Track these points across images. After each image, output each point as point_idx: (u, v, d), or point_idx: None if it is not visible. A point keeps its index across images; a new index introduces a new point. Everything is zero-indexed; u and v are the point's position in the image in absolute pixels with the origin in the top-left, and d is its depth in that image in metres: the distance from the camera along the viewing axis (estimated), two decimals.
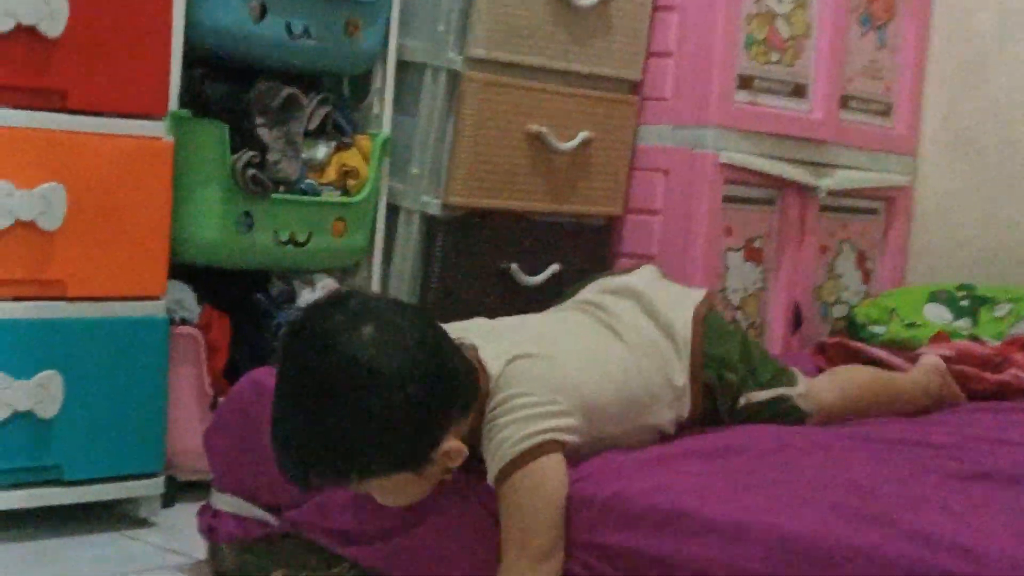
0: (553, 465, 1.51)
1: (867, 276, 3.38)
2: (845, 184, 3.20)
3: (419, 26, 2.69)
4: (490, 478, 1.52)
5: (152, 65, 2.22)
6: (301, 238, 2.51)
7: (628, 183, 2.99)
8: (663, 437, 1.71)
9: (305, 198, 2.51)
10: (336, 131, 2.60)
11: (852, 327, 3.09)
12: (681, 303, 1.80)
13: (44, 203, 2.07)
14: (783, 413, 1.83)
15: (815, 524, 1.32)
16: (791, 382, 1.87)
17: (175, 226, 2.30)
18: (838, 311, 3.29)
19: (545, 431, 1.52)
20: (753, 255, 3.07)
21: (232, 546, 1.93)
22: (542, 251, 2.85)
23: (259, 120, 2.44)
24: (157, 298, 2.25)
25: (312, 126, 2.53)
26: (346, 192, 2.60)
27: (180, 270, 2.38)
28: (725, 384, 1.77)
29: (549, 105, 2.80)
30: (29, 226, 2.06)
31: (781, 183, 3.08)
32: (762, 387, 1.82)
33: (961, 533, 1.26)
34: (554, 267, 2.86)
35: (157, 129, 2.23)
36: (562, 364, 1.60)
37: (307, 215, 2.52)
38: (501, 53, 2.70)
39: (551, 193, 2.85)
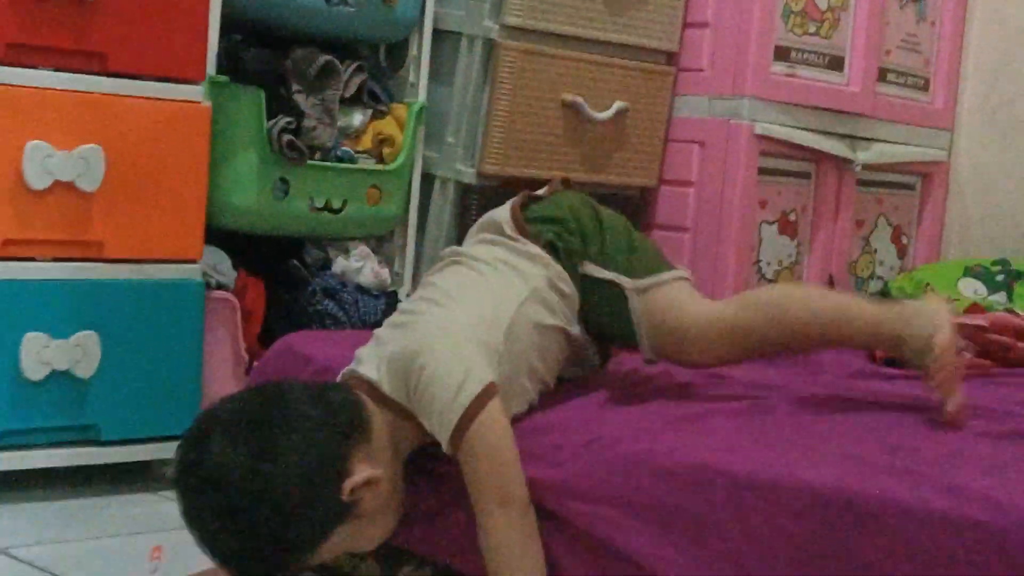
0: (495, 414, 1.50)
1: (903, 251, 3.37)
2: (882, 158, 3.19)
3: None
4: (445, 448, 1.50)
5: (190, 30, 2.23)
6: (336, 205, 2.53)
7: (663, 154, 2.99)
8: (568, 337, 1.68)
9: (340, 165, 2.53)
10: (372, 99, 2.61)
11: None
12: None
13: (83, 164, 2.09)
14: (612, 302, 1.68)
15: (846, 478, 1.32)
16: (642, 274, 1.68)
17: (211, 191, 2.32)
18: (873, 286, 3.28)
19: (470, 381, 1.49)
20: (787, 228, 3.07)
21: None
22: None
23: (295, 87, 2.45)
24: (193, 261, 2.27)
25: (348, 94, 2.54)
26: (381, 160, 2.61)
27: (216, 236, 2.40)
28: (565, 246, 1.68)
29: (584, 75, 2.80)
30: (68, 187, 2.09)
31: (817, 156, 3.07)
32: (605, 267, 1.69)
33: (993, 487, 1.26)
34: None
35: (195, 93, 2.25)
36: (435, 314, 1.60)
37: (342, 182, 2.53)
38: (537, 22, 2.70)
39: (585, 163, 2.85)
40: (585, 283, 1.70)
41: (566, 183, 1.82)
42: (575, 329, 1.70)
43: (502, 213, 1.74)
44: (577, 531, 1.48)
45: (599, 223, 1.73)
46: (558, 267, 1.68)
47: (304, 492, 1.46)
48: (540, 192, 1.80)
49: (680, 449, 1.46)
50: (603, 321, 1.71)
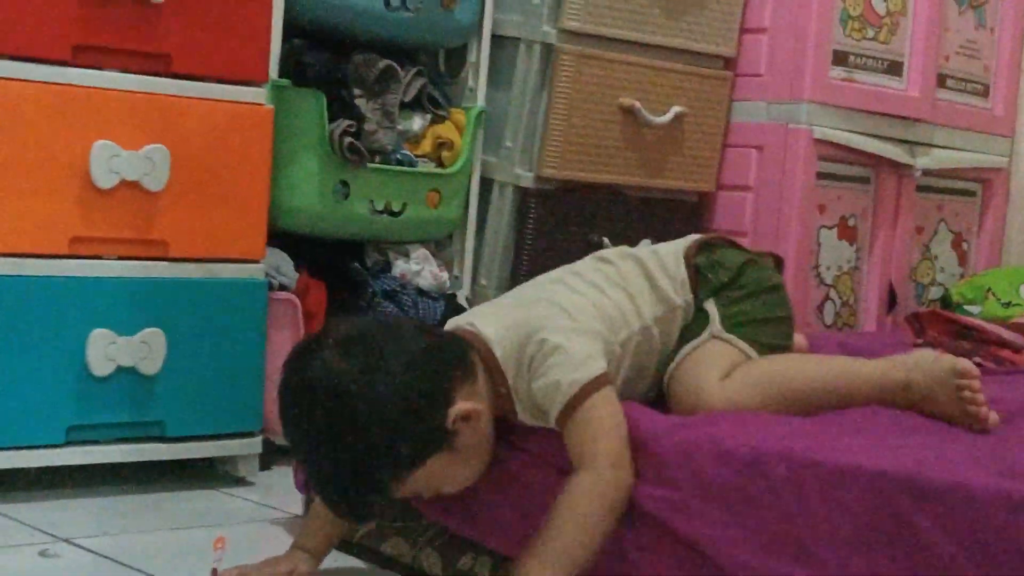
0: (611, 396, 1.56)
1: (963, 258, 3.35)
2: (941, 164, 3.18)
3: (514, 0, 2.72)
4: (554, 414, 1.55)
5: (254, 33, 2.26)
6: (396, 208, 2.55)
7: (721, 159, 2.99)
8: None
9: (400, 168, 2.55)
10: (431, 104, 2.63)
11: (947, 307, 3.06)
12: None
13: (149, 164, 2.12)
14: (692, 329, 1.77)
15: (904, 459, 1.32)
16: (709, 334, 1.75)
17: (273, 194, 2.35)
18: (934, 292, 3.26)
19: (592, 361, 1.57)
20: (847, 233, 3.06)
21: None
22: (633, 225, 2.86)
23: (356, 91, 2.48)
24: (256, 261, 2.30)
25: (408, 98, 2.57)
26: (440, 164, 2.64)
27: (279, 238, 2.43)
28: (713, 273, 1.77)
29: (642, 79, 2.81)
30: (134, 186, 2.12)
31: (876, 161, 3.06)
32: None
33: None
34: (645, 242, 2.86)
35: (258, 96, 2.28)
36: (564, 296, 1.68)
37: (402, 185, 2.55)
38: (595, 26, 2.72)
39: (643, 167, 2.86)
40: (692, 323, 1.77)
41: (777, 261, 1.91)
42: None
43: (673, 247, 1.82)
44: (642, 514, 1.49)
45: (760, 290, 1.79)
46: (690, 298, 1.77)
47: (411, 409, 1.50)
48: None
49: (740, 433, 1.47)
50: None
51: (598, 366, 1.57)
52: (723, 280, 1.77)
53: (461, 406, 1.55)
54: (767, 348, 1.74)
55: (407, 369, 1.52)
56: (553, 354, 1.57)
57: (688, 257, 1.80)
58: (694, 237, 1.85)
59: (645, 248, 1.85)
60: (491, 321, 1.65)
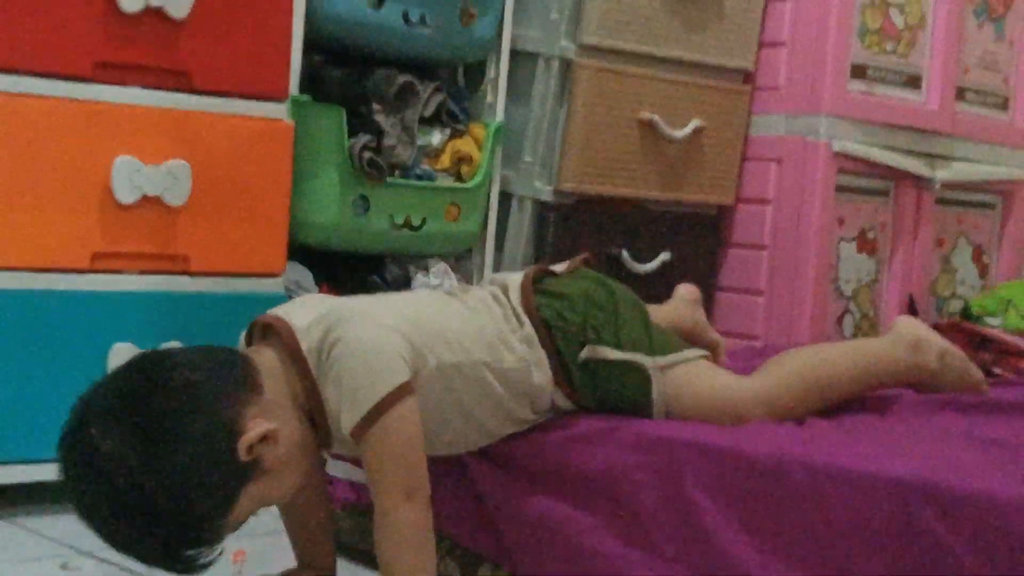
0: (411, 411, 1.47)
1: (984, 270, 3.34)
2: (962, 176, 3.17)
3: (532, 15, 2.74)
4: (346, 427, 1.47)
5: (274, 49, 2.28)
6: (416, 222, 2.56)
7: (740, 172, 3.00)
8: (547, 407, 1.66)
9: (420, 183, 2.56)
10: (451, 119, 2.64)
11: (967, 319, 3.06)
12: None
13: (170, 179, 2.14)
14: (631, 387, 1.66)
15: (925, 467, 1.32)
16: (662, 352, 1.66)
17: (294, 208, 2.36)
18: (954, 305, 3.26)
19: (390, 372, 1.46)
20: (866, 246, 3.06)
21: (347, 511, 1.97)
22: (653, 239, 2.87)
23: (376, 106, 2.49)
24: (277, 275, 2.31)
25: (427, 113, 2.58)
26: (459, 178, 2.65)
27: (299, 252, 2.44)
28: (565, 324, 1.65)
29: (661, 93, 2.82)
30: (155, 202, 2.13)
31: (895, 174, 3.06)
32: (620, 347, 1.66)
33: None
34: (664, 255, 2.87)
35: (278, 111, 2.29)
36: (381, 304, 1.58)
37: (422, 200, 2.57)
38: (614, 41, 2.73)
39: (662, 181, 2.86)
40: (597, 366, 1.66)
41: (587, 262, 1.79)
42: (523, 413, 1.65)
43: (514, 278, 1.71)
44: (662, 519, 1.49)
45: (614, 304, 1.69)
46: (541, 354, 1.64)
47: (200, 464, 1.39)
48: (558, 267, 1.77)
49: (762, 440, 1.48)
50: (617, 399, 1.67)
51: (397, 374, 1.46)
52: (575, 326, 1.66)
53: (249, 435, 1.42)
54: (671, 343, 1.70)
55: (184, 420, 1.40)
56: (347, 357, 1.46)
57: (527, 295, 1.67)
58: (516, 282, 1.70)
59: (484, 287, 1.72)
60: (307, 312, 1.53)
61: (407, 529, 1.47)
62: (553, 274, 1.75)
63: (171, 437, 1.39)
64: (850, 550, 1.33)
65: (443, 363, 1.55)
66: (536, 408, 1.66)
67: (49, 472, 2.07)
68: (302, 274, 2.46)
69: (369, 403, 1.45)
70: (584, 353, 1.65)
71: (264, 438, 1.44)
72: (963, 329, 2.30)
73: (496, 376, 1.60)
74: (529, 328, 1.65)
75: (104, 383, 1.47)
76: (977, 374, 1.82)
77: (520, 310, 1.66)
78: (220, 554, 1.48)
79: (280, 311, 1.58)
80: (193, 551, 1.45)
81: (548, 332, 1.65)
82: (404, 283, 2.60)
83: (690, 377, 1.65)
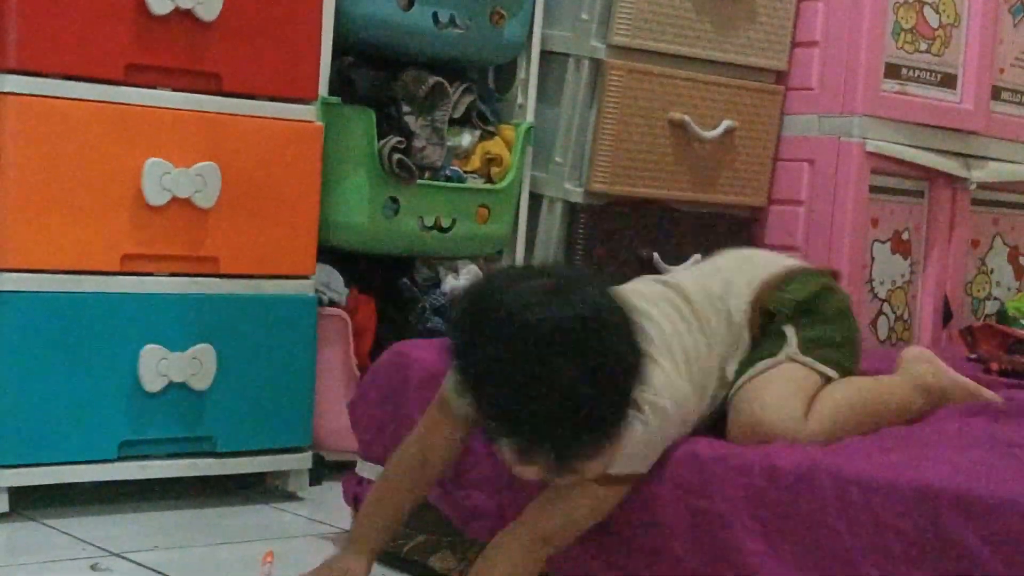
0: (618, 497, 1.54)
1: (1020, 272, 3.31)
2: (996, 176, 3.14)
3: (563, 16, 2.73)
4: (602, 470, 1.50)
5: (303, 51, 2.28)
6: (446, 224, 2.56)
7: (772, 173, 2.98)
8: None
9: (450, 184, 2.56)
10: (480, 120, 2.64)
11: (1003, 321, 3.03)
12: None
13: (200, 181, 2.14)
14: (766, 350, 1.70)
15: (953, 476, 1.31)
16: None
17: (323, 210, 2.36)
18: (989, 307, 3.23)
19: (640, 461, 1.53)
20: (900, 247, 3.03)
21: None
22: (684, 240, 2.85)
23: (405, 108, 2.49)
24: (306, 277, 2.31)
25: (457, 114, 2.58)
26: (490, 180, 2.64)
27: (329, 254, 2.44)
28: (787, 307, 1.71)
29: (692, 94, 2.80)
30: (185, 203, 2.14)
31: (930, 174, 3.03)
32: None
33: None
34: (696, 257, 2.85)
35: (308, 113, 2.29)
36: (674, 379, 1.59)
37: (452, 201, 2.56)
38: (644, 41, 2.71)
39: (694, 182, 2.85)
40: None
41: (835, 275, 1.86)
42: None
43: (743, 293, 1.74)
44: (689, 525, 1.48)
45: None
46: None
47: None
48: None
49: (789, 449, 1.46)
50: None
51: (642, 466, 1.53)
52: (797, 311, 1.71)
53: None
54: (845, 371, 1.71)
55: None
56: (626, 436, 1.48)
57: (759, 301, 1.72)
58: (761, 279, 1.75)
59: (716, 285, 1.74)
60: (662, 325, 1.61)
61: (520, 556, 1.54)
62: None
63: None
64: (878, 559, 1.32)
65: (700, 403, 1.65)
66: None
67: (79, 473, 2.09)
68: (332, 276, 2.46)
69: (609, 470, 1.50)
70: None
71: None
72: (997, 331, 2.27)
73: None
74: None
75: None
76: (988, 395, 1.80)
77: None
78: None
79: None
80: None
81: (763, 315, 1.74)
82: (434, 285, 2.60)
83: (776, 379, 1.66)
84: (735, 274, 1.75)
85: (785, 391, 1.62)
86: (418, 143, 2.49)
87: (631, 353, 1.43)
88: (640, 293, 1.68)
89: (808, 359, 1.67)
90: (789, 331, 1.69)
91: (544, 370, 1.38)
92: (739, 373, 1.68)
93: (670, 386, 1.54)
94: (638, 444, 1.50)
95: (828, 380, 1.68)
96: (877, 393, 1.70)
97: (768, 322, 1.71)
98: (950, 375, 1.80)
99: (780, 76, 2.97)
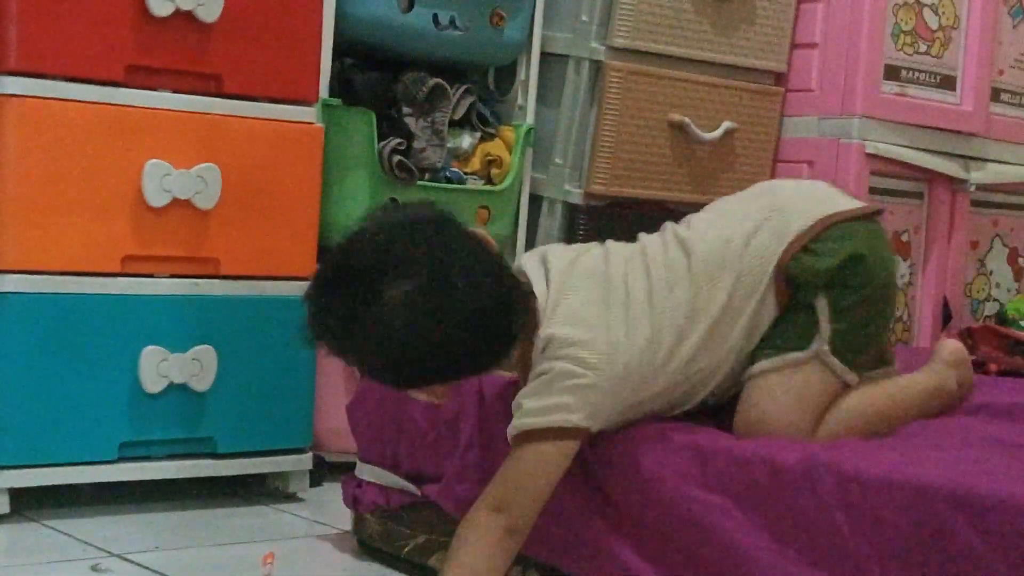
0: (563, 455, 1.52)
1: (1019, 273, 3.31)
2: (996, 178, 3.14)
3: (562, 17, 2.73)
4: (510, 430, 1.53)
5: (304, 53, 2.28)
6: None
7: (772, 175, 2.98)
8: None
9: (450, 186, 2.56)
10: (481, 121, 2.64)
11: (1003, 323, 3.03)
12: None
13: (200, 183, 2.15)
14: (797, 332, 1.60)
15: (954, 473, 1.31)
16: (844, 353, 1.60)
17: (324, 212, 2.36)
18: (989, 308, 3.23)
19: (570, 412, 1.51)
20: (901, 248, 3.03)
21: (375, 515, 1.97)
22: None
23: (406, 109, 2.49)
24: (307, 278, 2.29)
25: (457, 116, 2.58)
26: (490, 181, 2.64)
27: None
28: (813, 275, 1.58)
29: (692, 95, 2.81)
30: (185, 205, 2.14)
31: (929, 176, 3.04)
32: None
33: None
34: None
35: (308, 115, 2.30)
36: (613, 317, 1.56)
37: (452, 202, 2.54)
38: (644, 43, 2.72)
39: (694, 183, 2.85)
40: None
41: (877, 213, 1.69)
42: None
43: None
44: (690, 521, 1.49)
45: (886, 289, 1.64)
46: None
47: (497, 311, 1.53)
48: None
49: (791, 446, 1.47)
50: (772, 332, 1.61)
51: (576, 416, 1.50)
52: (826, 280, 1.59)
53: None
54: (874, 354, 1.66)
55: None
56: (549, 380, 1.52)
57: (784, 265, 1.60)
58: (794, 233, 1.61)
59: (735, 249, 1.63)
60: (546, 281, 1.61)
61: (474, 535, 1.51)
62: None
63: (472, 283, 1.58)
64: (880, 558, 1.32)
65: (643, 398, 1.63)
66: None
67: (80, 474, 2.09)
68: None
69: (532, 425, 1.52)
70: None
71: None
72: (997, 333, 2.28)
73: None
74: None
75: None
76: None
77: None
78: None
79: (532, 266, 1.69)
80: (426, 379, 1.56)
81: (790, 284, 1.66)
82: None
83: (796, 386, 1.60)
84: (763, 224, 1.63)
85: (799, 406, 1.57)
86: (418, 144, 2.50)
87: (471, 288, 1.54)
88: (611, 252, 1.70)
89: (835, 361, 1.58)
90: (821, 306, 1.58)
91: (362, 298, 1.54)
92: (760, 347, 1.60)
93: (609, 345, 1.53)
94: (563, 393, 1.50)
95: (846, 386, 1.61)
96: (892, 405, 1.65)
97: (796, 289, 1.59)
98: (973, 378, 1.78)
99: (780, 78, 2.97)
